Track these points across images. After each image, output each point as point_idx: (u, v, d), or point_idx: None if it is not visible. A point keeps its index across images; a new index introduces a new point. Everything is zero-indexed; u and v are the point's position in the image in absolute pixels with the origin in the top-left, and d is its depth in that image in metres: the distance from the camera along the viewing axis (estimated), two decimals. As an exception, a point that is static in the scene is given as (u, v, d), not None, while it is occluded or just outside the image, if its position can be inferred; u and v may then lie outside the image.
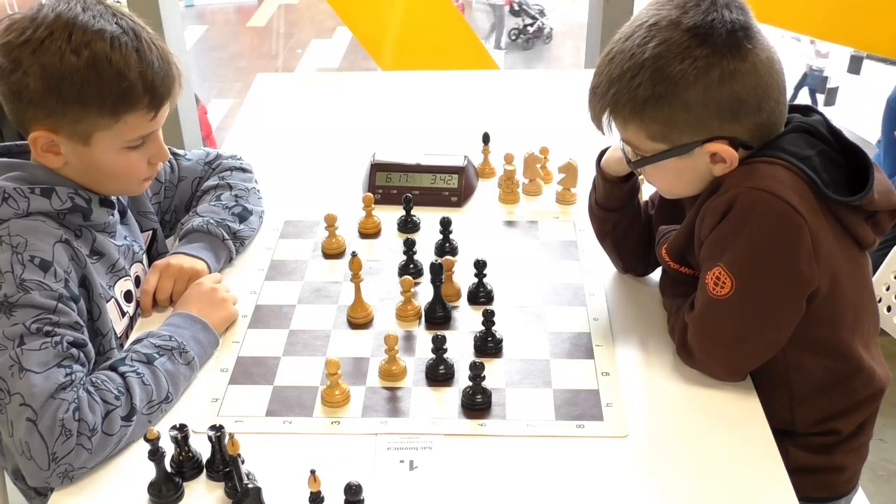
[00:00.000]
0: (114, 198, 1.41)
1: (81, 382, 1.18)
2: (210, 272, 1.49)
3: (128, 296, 1.43)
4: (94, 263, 1.35)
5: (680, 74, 1.20)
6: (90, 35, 1.25)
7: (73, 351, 1.21)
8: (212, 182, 1.64)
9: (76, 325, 1.24)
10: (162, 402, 1.24)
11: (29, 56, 1.24)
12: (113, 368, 1.23)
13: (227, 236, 1.54)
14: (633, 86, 1.22)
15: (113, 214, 1.40)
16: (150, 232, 1.57)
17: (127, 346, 1.32)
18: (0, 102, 1.31)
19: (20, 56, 1.24)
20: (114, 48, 1.26)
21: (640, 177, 1.43)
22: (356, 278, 1.40)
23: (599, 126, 1.31)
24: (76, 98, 1.25)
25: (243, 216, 1.60)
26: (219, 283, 1.45)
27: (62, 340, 1.20)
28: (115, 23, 1.28)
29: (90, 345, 1.27)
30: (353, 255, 1.40)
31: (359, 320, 1.42)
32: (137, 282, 1.47)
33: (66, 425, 1.13)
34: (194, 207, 1.60)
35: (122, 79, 1.26)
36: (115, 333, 1.38)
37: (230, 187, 1.63)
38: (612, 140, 1.37)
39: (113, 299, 1.39)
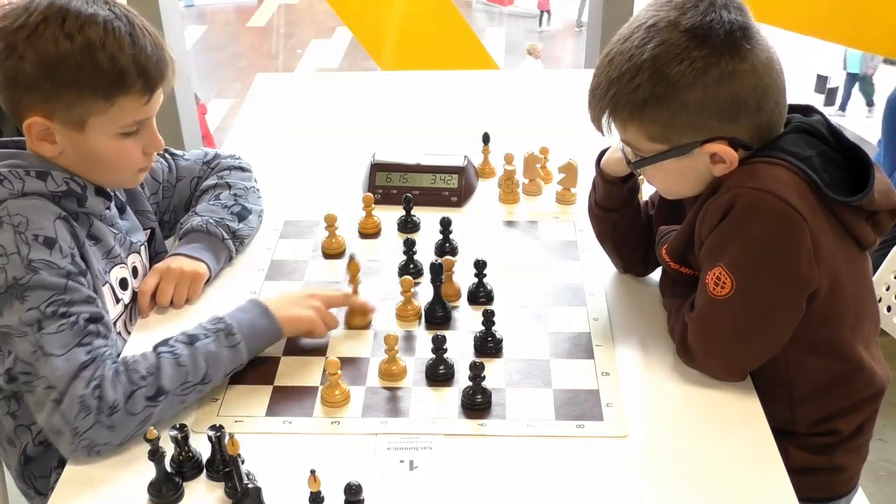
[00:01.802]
0: (110, 191, 1.41)
1: (110, 358, 1.21)
2: (210, 273, 1.49)
3: (123, 283, 1.43)
4: (92, 247, 1.36)
5: (679, 75, 1.20)
6: (83, 19, 1.27)
7: (91, 327, 1.23)
8: (210, 181, 1.64)
9: (89, 299, 1.26)
10: (198, 383, 1.24)
11: (24, 41, 1.25)
12: (154, 348, 1.25)
13: (226, 236, 1.54)
14: (632, 87, 1.22)
15: (109, 207, 1.41)
16: (149, 231, 1.57)
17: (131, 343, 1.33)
18: None
19: (15, 41, 1.26)
20: (107, 32, 1.27)
21: (640, 177, 1.43)
22: (354, 281, 1.39)
23: (599, 127, 1.31)
24: (71, 81, 1.26)
25: (242, 215, 1.60)
26: (314, 298, 1.39)
27: (78, 319, 1.23)
28: (108, 9, 1.30)
29: (106, 315, 1.28)
30: (351, 257, 1.38)
31: (357, 325, 1.41)
32: (135, 272, 1.47)
33: (84, 402, 1.16)
34: (193, 207, 1.60)
35: (115, 61, 1.28)
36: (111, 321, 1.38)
37: (229, 186, 1.63)
38: (611, 141, 1.37)
39: (108, 284, 1.39)
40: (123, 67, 1.28)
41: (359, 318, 1.42)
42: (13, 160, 1.31)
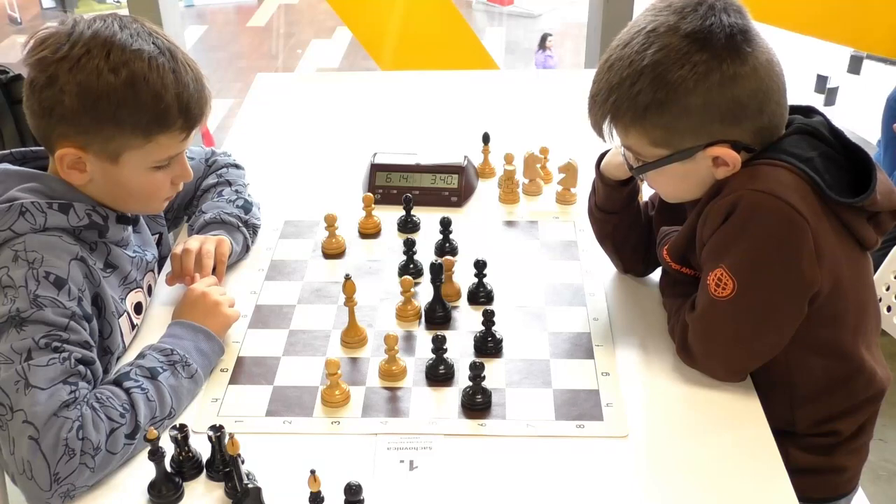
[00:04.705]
0: (130, 214, 1.40)
1: (85, 399, 1.16)
2: (232, 250, 1.51)
3: (138, 307, 1.42)
4: (108, 277, 1.34)
5: (680, 80, 1.19)
6: (129, 54, 1.24)
7: (81, 368, 1.18)
8: (211, 180, 1.64)
9: (86, 344, 1.22)
10: (165, 417, 1.21)
11: (66, 73, 1.22)
12: (118, 384, 1.21)
13: (240, 224, 1.56)
14: (634, 93, 1.22)
15: (127, 229, 1.39)
16: (158, 235, 1.57)
17: (130, 360, 1.30)
18: (26, 115, 1.28)
19: (56, 72, 1.22)
20: (151, 68, 1.25)
21: (641, 179, 1.43)
22: (350, 302, 1.36)
23: (600, 133, 1.30)
24: (112, 117, 1.24)
25: (247, 208, 1.61)
26: (210, 287, 1.41)
27: (70, 357, 1.18)
28: (153, 42, 1.27)
29: (98, 363, 1.24)
30: (347, 277, 1.36)
31: (352, 344, 1.39)
32: (150, 291, 1.47)
33: (69, 444, 1.10)
34: (197, 206, 1.60)
35: (159, 100, 1.25)
36: (125, 347, 1.37)
37: (229, 183, 1.64)
38: (612, 145, 1.37)
39: (126, 313, 1.38)
40: (167, 106, 1.26)
41: (354, 335, 1.39)
42: (35, 184, 1.28)
